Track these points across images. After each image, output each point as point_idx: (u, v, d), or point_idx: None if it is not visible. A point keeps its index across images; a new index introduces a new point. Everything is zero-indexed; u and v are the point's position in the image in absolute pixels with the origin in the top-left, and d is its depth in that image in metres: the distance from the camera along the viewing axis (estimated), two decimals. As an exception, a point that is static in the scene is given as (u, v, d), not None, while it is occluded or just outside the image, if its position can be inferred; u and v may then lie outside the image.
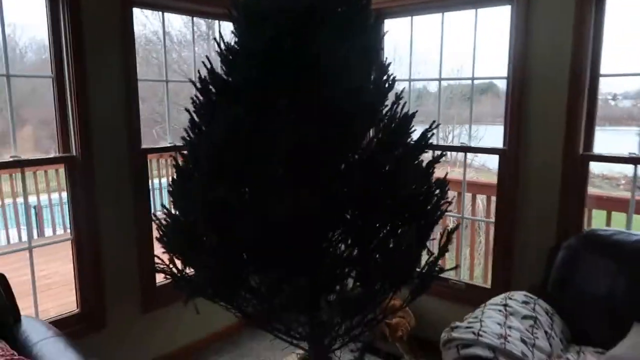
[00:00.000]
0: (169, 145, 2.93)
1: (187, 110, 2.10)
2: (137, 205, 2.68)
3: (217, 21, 3.13)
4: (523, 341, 1.94)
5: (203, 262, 1.93)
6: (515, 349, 1.87)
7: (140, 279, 2.76)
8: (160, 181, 5.57)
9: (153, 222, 2.36)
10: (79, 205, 2.46)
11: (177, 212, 2.13)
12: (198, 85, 2.07)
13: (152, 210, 2.81)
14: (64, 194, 4.44)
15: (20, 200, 4.96)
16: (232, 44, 2.14)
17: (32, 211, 5.35)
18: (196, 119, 2.08)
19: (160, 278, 2.90)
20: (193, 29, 3.36)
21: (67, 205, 4.12)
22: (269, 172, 1.83)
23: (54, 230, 5.54)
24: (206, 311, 3.11)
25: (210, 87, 2.13)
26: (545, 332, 2.06)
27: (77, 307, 2.56)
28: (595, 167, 8.24)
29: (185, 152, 2.18)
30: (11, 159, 2.28)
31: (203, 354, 3.08)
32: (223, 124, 1.90)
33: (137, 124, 2.61)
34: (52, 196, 5.46)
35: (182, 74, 7.17)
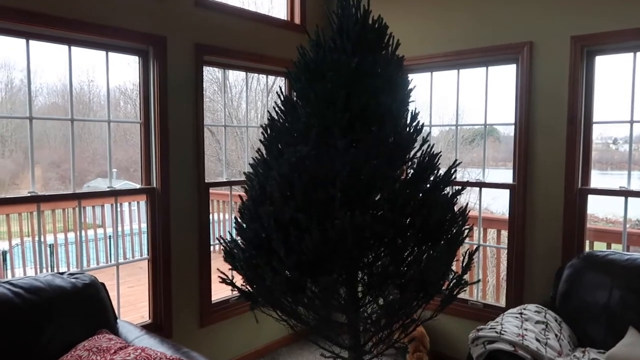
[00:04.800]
0: (225, 180, 3.40)
1: (258, 150, 2.58)
2: (200, 232, 3.12)
3: (265, 75, 3.67)
4: (537, 340, 2.33)
5: (274, 270, 2.34)
6: (531, 344, 2.27)
7: (200, 297, 3.16)
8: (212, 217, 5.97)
9: (219, 245, 2.79)
10: (156, 230, 2.90)
11: (245, 234, 2.57)
12: (267, 130, 2.57)
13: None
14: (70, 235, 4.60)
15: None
16: (288, 96, 2.66)
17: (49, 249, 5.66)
18: (266, 156, 2.56)
19: (214, 297, 3.30)
20: (247, 83, 3.91)
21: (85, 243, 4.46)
22: (329, 195, 2.29)
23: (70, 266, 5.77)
24: (250, 330, 3.52)
25: (271, 132, 2.63)
26: (555, 335, 2.45)
27: (150, 319, 2.95)
28: (599, 211, 8.71)
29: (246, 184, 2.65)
30: (108, 189, 2.76)
31: (247, 367, 3.44)
32: (290, 159, 2.37)
33: (202, 161, 3.09)
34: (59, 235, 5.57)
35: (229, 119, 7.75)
